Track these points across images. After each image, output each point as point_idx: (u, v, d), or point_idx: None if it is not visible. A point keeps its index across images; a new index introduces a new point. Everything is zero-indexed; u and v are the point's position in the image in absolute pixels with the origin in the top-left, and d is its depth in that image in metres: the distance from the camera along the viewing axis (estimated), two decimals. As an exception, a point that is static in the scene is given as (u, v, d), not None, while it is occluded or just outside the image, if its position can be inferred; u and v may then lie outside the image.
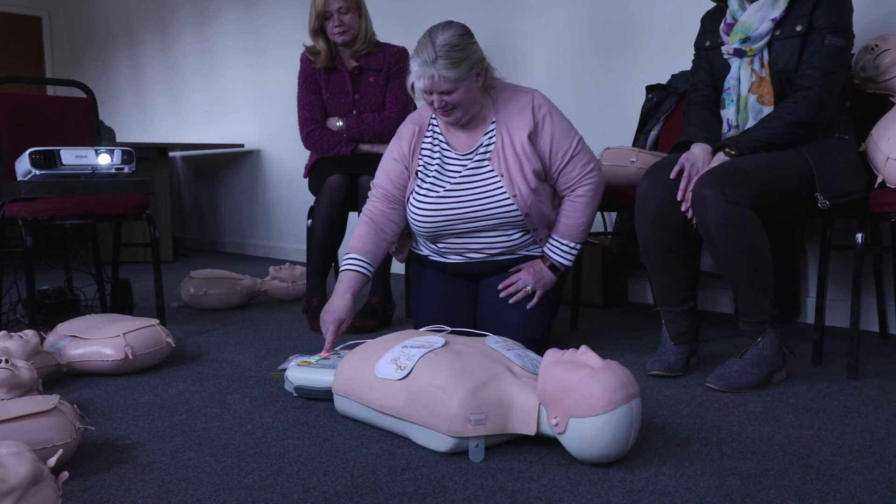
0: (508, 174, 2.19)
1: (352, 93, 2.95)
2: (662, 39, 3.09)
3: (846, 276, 2.62)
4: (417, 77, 2.12)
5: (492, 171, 2.21)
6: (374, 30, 2.99)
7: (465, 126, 2.26)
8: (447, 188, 2.24)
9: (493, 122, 2.25)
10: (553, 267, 2.31)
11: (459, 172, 2.25)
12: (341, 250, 3.32)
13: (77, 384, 2.12)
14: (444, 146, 2.29)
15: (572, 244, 2.31)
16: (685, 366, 2.11)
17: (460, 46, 2.10)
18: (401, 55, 2.98)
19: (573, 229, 2.30)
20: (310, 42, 2.98)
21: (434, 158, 2.28)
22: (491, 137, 2.24)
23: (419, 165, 2.30)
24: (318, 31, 2.94)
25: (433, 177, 2.26)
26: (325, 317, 2.17)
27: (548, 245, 2.32)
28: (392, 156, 2.32)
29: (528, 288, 2.25)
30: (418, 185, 2.28)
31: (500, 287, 2.28)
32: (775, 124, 2.02)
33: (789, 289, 2.70)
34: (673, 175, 2.00)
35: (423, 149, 2.31)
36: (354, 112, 2.95)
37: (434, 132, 2.31)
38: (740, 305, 1.97)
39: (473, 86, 2.15)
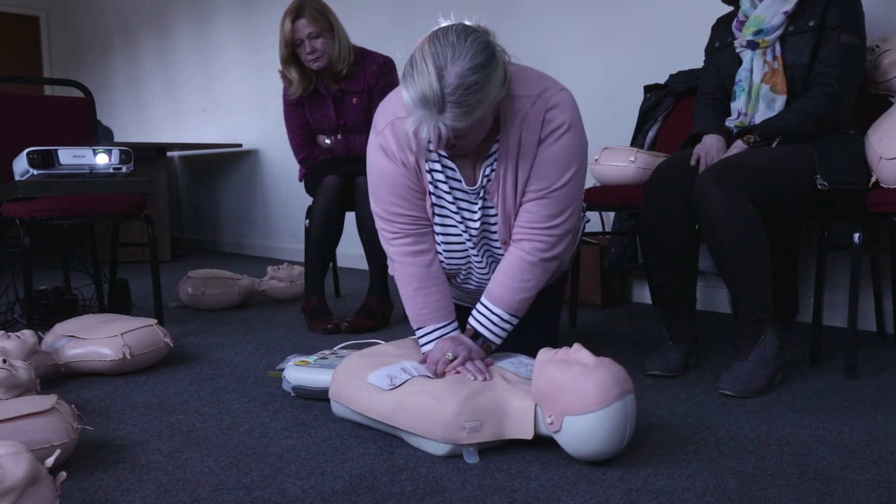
0: (503, 210, 1.72)
1: (335, 118, 2.88)
2: (660, 39, 3.09)
3: (844, 276, 2.62)
4: (417, 122, 1.53)
5: (492, 207, 1.74)
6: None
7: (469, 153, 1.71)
8: (472, 234, 1.77)
9: (497, 144, 1.69)
10: (477, 338, 1.75)
11: (476, 213, 1.76)
12: (339, 250, 3.33)
13: (75, 384, 2.12)
14: (452, 171, 1.74)
15: (507, 315, 1.73)
16: (684, 366, 2.11)
17: (479, 85, 1.49)
18: (382, 70, 2.84)
19: (511, 293, 1.72)
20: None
21: (442, 184, 1.75)
22: (491, 167, 1.71)
23: (430, 186, 1.75)
24: (290, 59, 2.79)
25: (448, 216, 1.77)
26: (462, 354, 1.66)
27: (475, 311, 1.77)
28: (396, 180, 1.75)
29: (448, 354, 1.63)
30: (437, 224, 1.78)
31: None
32: (795, 115, 2.05)
33: (787, 289, 2.70)
34: (693, 162, 2.05)
35: (431, 170, 1.74)
36: (339, 136, 2.92)
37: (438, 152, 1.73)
38: (740, 304, 1.97)
39: (489, 116, 1.59)
